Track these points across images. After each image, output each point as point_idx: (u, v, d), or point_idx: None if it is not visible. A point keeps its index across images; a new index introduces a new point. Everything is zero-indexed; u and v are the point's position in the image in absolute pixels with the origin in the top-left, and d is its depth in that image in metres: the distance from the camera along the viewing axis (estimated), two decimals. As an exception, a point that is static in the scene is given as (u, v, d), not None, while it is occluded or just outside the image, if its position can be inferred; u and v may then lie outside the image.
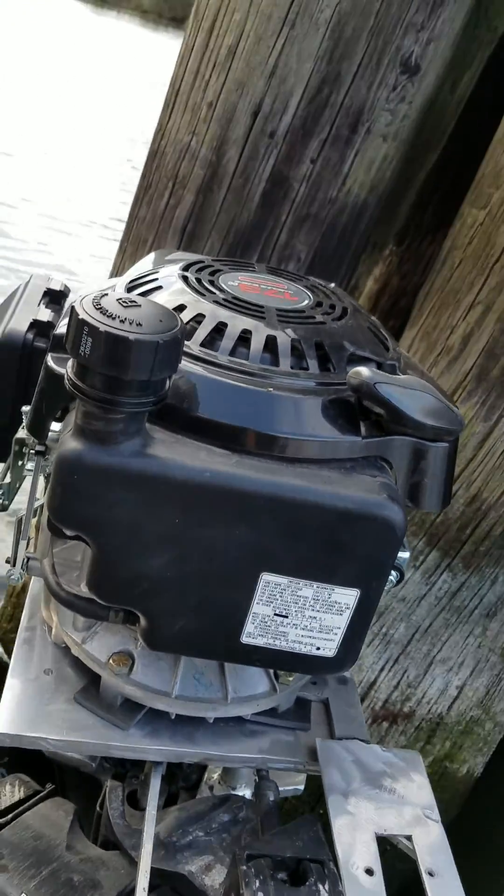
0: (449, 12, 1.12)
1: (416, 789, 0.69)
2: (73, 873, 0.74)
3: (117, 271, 1.42)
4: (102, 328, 0.48)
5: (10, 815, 0.78)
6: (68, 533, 0.61)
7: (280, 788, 0.78)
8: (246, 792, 0.88)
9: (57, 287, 0.92)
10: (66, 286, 0.94)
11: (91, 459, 0.53)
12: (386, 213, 1.32)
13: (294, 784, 0.89)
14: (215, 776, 0.92)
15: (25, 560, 0.76)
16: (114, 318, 0.49)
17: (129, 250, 1.39)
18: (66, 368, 0.53)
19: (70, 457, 0.53)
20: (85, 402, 0.52)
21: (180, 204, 1.29)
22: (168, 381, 0.54)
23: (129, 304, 0.51)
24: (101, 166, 6.38)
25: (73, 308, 0.50)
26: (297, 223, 1.25)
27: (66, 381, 0.52)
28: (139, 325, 0.49)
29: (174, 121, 1.28)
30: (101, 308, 0.50)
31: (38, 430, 0.64)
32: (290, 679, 0.72)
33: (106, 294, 0.51)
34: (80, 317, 0.49)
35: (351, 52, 1.14)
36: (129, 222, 1.38)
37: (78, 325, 0.49)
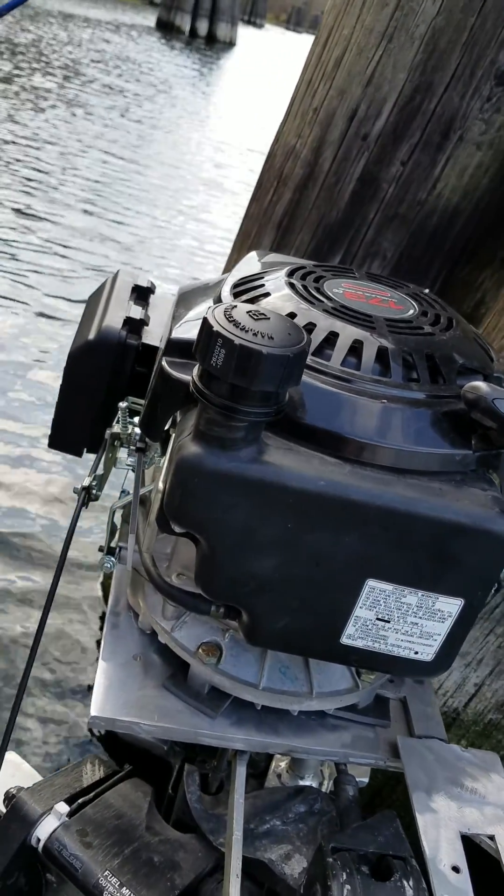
0: None
1: (496, 790, 0.71)
2: (154, 854, 0.77)
3: (231, 263, 1.50)
4: (237, 341, 0.49)
5: (91, 794, 0.81)
6: (177, 529, 0.63)
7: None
8: (313, 783, 0.91)
9: (144, 284, 0.94)
10: (152, 283, 0.96)
11: (211, 464, 0.54)
12: (501, 223, 1.33)
13: (359, 776, 0.91)
14: (283, 765, 0.95)
15: (118, 550, 0.78)
16: (246, 331, 0.50)
17: (236, 243, 1.47)
18: (191, 375, 0.54)
19: (191, 460, 0.55)
20: (209, 409, 0.53)
21: (280, 200, 1.35)
22: (287, 393, 0.55)
23: (259, 316, 0.52)
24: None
25: (205, 319, 0.51)
26: (384, 222, 1.28)
27: (192, 387, 0.54)
28: (271, 338, 0.50)
29: (288, 126, 1.35)
30: (233, 320, 0.51)
31: (152, 431, 0.66)
32: (372, 677, 0.74)
33: (235, 306, 0.53)
34: (214, 329, 0.50)
35: (444, 65, 1.17)
36: (243, 219, 1.47)
37: (212, 335, 0.50)
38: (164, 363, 0.62)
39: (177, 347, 0.63)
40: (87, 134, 6.94)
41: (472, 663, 1.21)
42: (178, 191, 6.18)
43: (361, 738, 0.75)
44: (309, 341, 0.52)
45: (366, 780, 0.92)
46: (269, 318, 0.52)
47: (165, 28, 18.66)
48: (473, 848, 0.70)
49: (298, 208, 1.34)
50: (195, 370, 0.54)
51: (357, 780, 0.90)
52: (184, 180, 6.48)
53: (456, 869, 0.64)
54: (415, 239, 1.31)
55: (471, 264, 1.40)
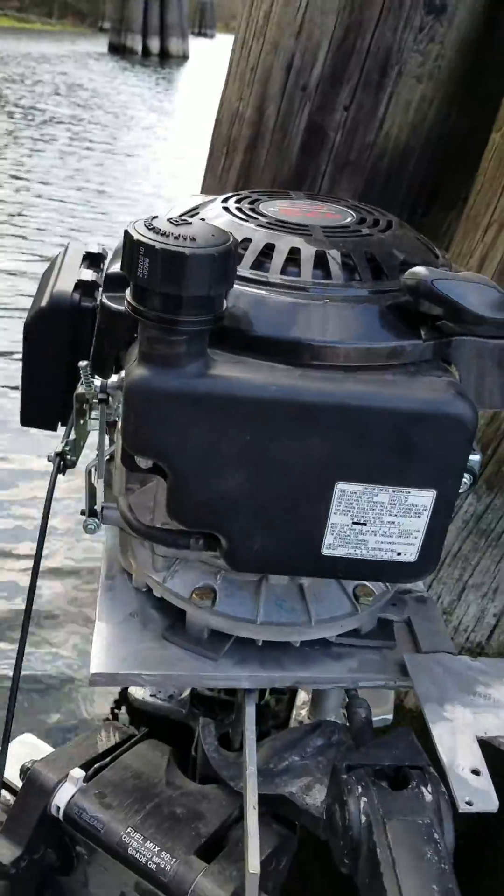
0: None
1: (510, 693, 0.69)
2: (176, 807, 0.76)
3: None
4: (158, 246, 0.49)
5: (108, 758, 0.80)
6: (143, 465, 0.63)
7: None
8: (335, 722, 0.89)
9: (95, 250, 0.94)
10: (104, 249, 0.95)
11: (158, 384, 0.54)
12: (473, 165, 1.32)
13: (382, 714, 0.90)
14: (304, 713, 0.94)
15: (101, 510, 0.78)
16: (167, 236, 0.50)
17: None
18: (125, 298, 0.54)
19: (138, 383, 0.54)
20: (147, 327, 0.53)
21: (233, 166, 1.36)
22: (225, 299, 0.55)
23: (181, 222, 0.52)
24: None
25: (126, 232, 0.51)
26: (337, 170, 1.28)
27: (126, 307, 0.53)
28: (193, 240, 0.50)
29: (229, 90, 1.36)
30: (153, 228, 0.50)
31: (102, 369, 0.66)
32: (371, 599, 0.73)
33: (156, 216, 0.52)
34: (136, 238, 0.50)
35: (371, 0, 1.16)
36: (201, 192, 1.46)
37: (133, 246, 0.50)
38: (104, 298, 0.62)
39: (114, 281, 0.62)
40: (41, 167, 6.96)
41: (488, 594, 1.19)
42: (140, 212, 6.18)
43: (368, 661, 0.74)
44: (235, 242, 0.52)
45: (390, 717, 0.91)
46: (190, 223, 0.52)
47: (118, 51, 18.85)
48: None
49: (251, 170, 1.34)
50: (128, 290, 0.54)
51: (381, 717, 0.89)
52: (143, 203, 6.47)
53: (476, 772, 0.62)
54: (370, 184, 1.31)
55: (435, 207, 1.39)
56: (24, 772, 0.77)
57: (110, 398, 0.73)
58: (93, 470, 0.79)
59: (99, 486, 0.74)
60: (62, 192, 6.44)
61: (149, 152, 8.39)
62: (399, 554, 0.61)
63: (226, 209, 0.67)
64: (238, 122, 1.34)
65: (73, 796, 0.74)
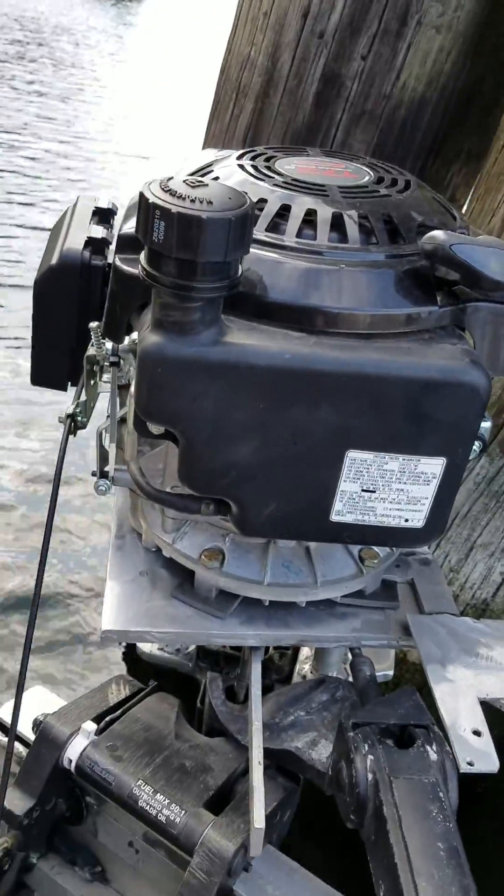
0: None
1: (512, 655, 0.71)
2: (185, 759, 0.78)
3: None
4: (174, 209, 0.48)
5: (119, 711, 0.82)
6: (155, 431, 0.63)
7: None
8: (338, 678, 0.91)
9: (105, 205, 0.92)
10: (113, 204, 0.93)
11: (172, 351, 0.53)
12: (476, 117, 1.29)
13: (383, 669, 0.92)
14: (307, 667, 0.96)
15: (111, 471, 0.78)
16: (183, 199, 0.49)
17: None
18: (139, 261, 0.53)
19: (152, 350, 0.54)
20: (161, 293, 0.52)
21: (242, 113, 1.33)
22: (240, 264, 0.54)
23: (197, 184, 0.51)
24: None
25: (141, 193, 0.50)
26: (352, 121, 1.25)
27: (141, 272, 0.53)
28: (210, 203, 0.49)
29: (238, 35, 1.33)
30: (169, 190, 0.49)
31: (114, 333, 0.65)
32: (376, 561, 0.74)
33: (171, 178, 0.51)
34: (151, 201, 0.49)
35: None
36: (204, 141, 1.44)
37: (149, 209, 0.49)
38: (116, 261, 0.61)
39: (127, 242, 0.61)
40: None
41: (495, 553, 1.20)
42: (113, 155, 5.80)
43: (372, 621, 0.75)
44: (252, 205, 0.51)
45: (391, 672, 0.93)
46: (207, 185, 0.51)
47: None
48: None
49: (262, 118, 1.30)
50: (142, 254, 0.53)
51: (382, 672, 0.91)
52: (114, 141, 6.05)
53: (477, 733, 0.64)
54: (385, 135, 1.28)
55: (438, 160, 1.37)
56: (37, 725, 0.79)
57: (121, 361, 0.73)
58: (104, 432, 0.79)
59: (111, 448, 0.74)
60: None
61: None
62: (406, 520, 0.61)
63: (241, 167, 0.66)
64: (248, 69, 1.30)
65: (84, 749, 0.76)
